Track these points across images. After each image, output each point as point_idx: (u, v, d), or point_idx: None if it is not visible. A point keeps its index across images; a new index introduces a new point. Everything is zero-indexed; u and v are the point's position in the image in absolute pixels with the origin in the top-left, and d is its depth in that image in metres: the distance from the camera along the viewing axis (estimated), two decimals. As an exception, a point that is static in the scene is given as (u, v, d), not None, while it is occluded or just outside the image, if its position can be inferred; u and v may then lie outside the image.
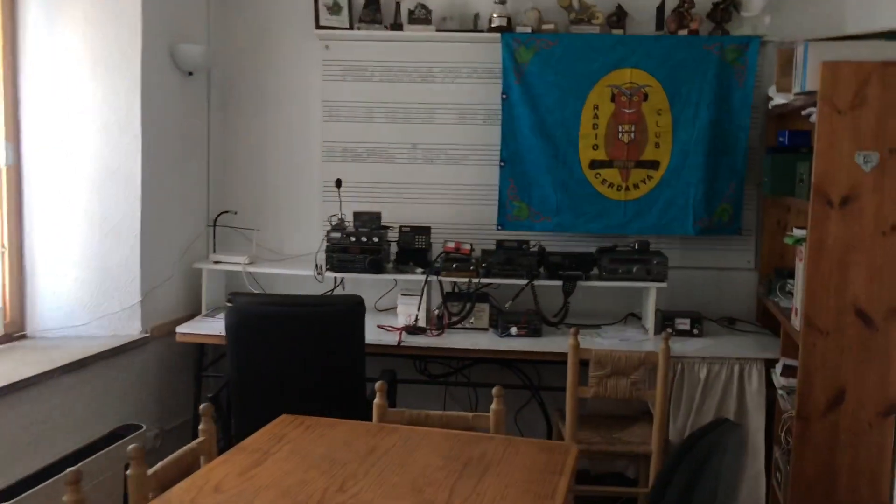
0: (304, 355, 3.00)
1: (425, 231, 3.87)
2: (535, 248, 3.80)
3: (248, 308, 2.99)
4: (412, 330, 3.60)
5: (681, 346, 3.48)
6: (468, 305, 3.68)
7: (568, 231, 3.98)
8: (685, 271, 4.03)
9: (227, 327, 3.05)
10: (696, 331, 3.67)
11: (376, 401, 2.49)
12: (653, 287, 3.69)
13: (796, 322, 3.00)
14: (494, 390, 2.45)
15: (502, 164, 3.96)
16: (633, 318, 4.00)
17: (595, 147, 3.91)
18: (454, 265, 3.72)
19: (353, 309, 3.03)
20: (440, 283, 3.78)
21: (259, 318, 2.98)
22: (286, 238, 4.18)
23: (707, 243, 4.03)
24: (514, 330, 3.60)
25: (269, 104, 4.17)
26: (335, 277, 4.03)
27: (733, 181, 3.89)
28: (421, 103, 4.06)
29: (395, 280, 3.95)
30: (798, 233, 3.09)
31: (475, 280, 3.70)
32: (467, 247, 3.79)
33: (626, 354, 3.26)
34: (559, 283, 3.71)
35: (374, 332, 3.60)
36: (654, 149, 3.90)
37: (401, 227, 3.88)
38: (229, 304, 3.03)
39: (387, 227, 3.88)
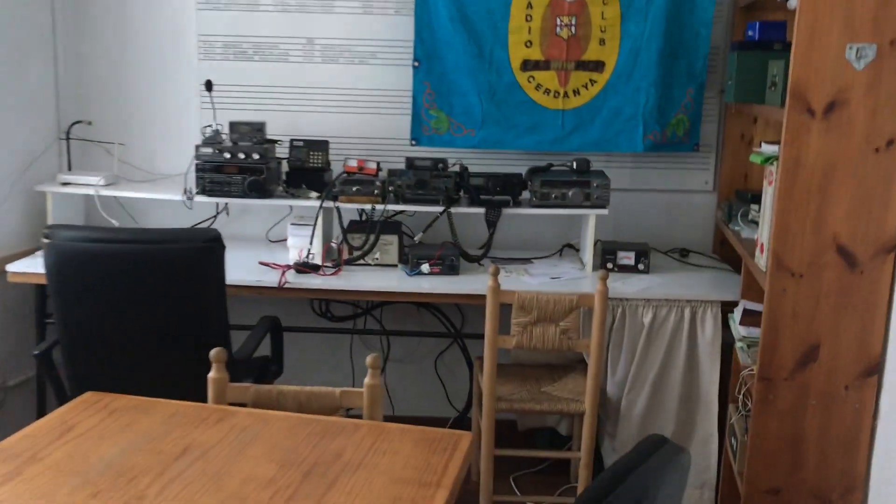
0: (142, 305, 2.36)
1: (322, 146, 3.20)
2: (455, 168, 3.16)
3: (68, 246, 2.32)
4: (302, 268, 2.96)
5: (622, 286, 2.90)
6: (371, 237, 3.04)
7: (495, 147, 3.32)
8: (632, 194, 3.43)
9: (47, 270, 2.39)
10: (641, 266, 3.09)
11: (211, 374, 1.87)
12: (592, 214, 3.08)
13: (761, 260, 2.42)
14: (369, 360, 1.84)
15: (416, 64, 3.26)
16: (570, 249, 3.40)
17: (528, 44, 3.23)
18: (355, 188, 3.06)
19: (204, 247, 2.38)
20: (338, 210, 3.12)
21: (83, 258, 2.32)
22: (158, 154, 3.46)
23: (658, 161, 3.42)
24: (425, 267, 2.99)
25: (132, -11, 3.39)
26: (217, 204, 3.36)
27: (691, 87, 3.25)
28: (318, -12, 3.32)
29: (291, 207, 3.29)
30: (767, 149, 2.48)
31: (380, 207, 3.05)
32: (373, 166, 3.13)
33: (554, 298, 2.67)
34: (482, 210, 3.08)
35: (256, 271, 2.96)
36: (599, 46, 3.22)
37: (292, 140, 3.20)
38: (46, 241, 2.36)
39: (274, 142, 3.19)
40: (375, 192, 3.05)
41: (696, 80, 3.24)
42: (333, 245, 3.08)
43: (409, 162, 3.08)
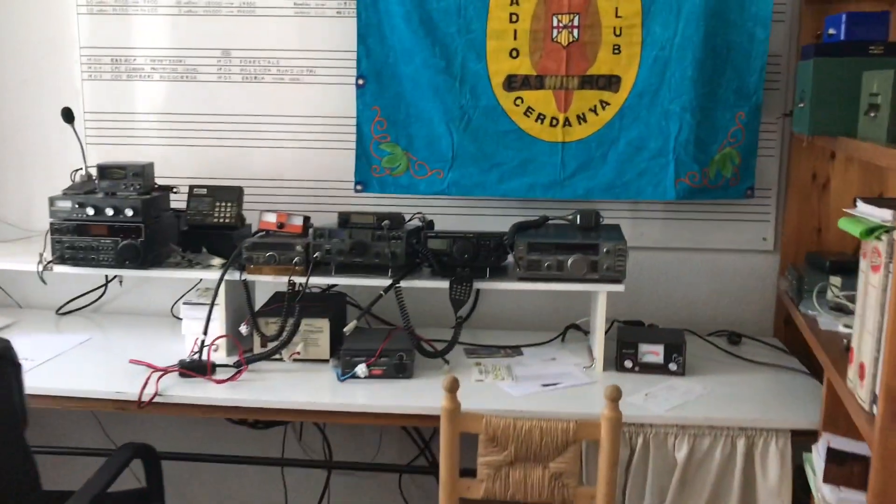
0: None
1: (233, 195, 2.36)
2: (415, 223, 2.29)
3: None
4: (186, 370, 2.10)
5: (644, 402, 1.99)
6: (289, 322, 2.18)
7: (470, 194, 2.45)
8: (661, 256, 2.52)
9: None
10: (673, 365, 2.17)
11: None
12: (602, 291, 2.17)
13: (859, 388, 1.50)
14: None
15: (361, 82, 2.40)
16: (577, 332, 2.49)
17: (514, 53, 2.35)
18: (269, 254, 2.20)
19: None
20: (245, 285, 2.26)
21: None
22: (36, 204, 2.65)
23: (698, 211, 2.50)
24: (361, 368, 2.11)
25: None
26: (106, 276, 2.53)
27: (742, 109, 2.34)
28: (235, -16, 2.49)
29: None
30: (869, 211, 1.56)
31: (299, 281, 2.19)
32: (297, 222, 2.27)
33: (542, 426, 1.79)
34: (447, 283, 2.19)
35: (122, 375, 2.10)
36: (612, 56, 2.33)
37: (191, 188, 2.36)
38: None
39: (167, 189, 2.36)
40: (296, 259, 2.19)
41: (749, 100, 2.32)
42: (243, 330, 2.22)
43: (343, 218, 2.21)
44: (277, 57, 2.50)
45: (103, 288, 2.62)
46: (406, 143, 2.42)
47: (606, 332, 2.19)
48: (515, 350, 2.36)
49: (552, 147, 2.39)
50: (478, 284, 2.18)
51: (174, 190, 2.37)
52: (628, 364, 2.18)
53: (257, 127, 2.52)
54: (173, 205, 2.37)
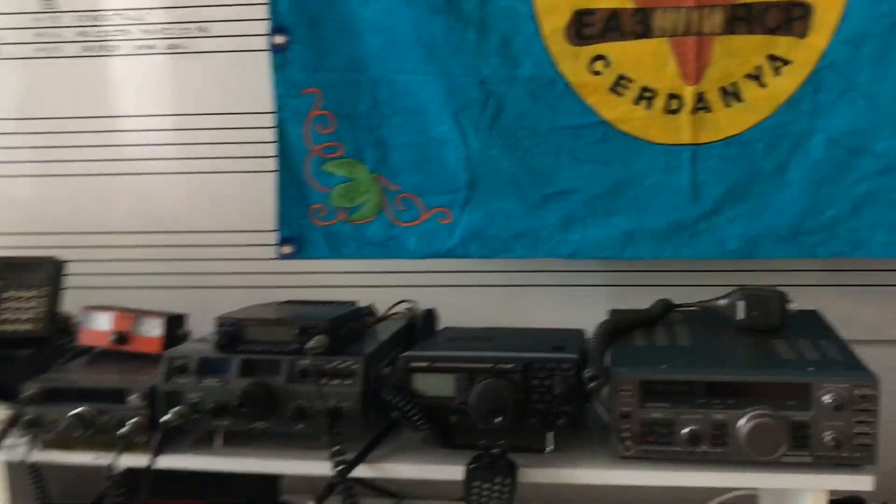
0: None
1: (39, 274, 1.18)
2: (384, 335, 1.09)
3: None
4: None
5: None
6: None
7: (507, 255, 1.23)
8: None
9: None
10: None
11: None
12: (819, 491, 0.93)
13: None
14: None
15: (281, 40, 1.21)
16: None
17: (588, -33, 1.14)
18: (75, 415, 1.01)
19: None
20: (36, 473, 1.08)
21: None
22: None
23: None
24: None
25: None
26: None
27: None
28: None
29: None
30: None
31: (138, 463, 1.00)
32: (154, 330, 1.10)
33: None
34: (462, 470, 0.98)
35: None
36: (798, -40, 1.11)
37: (-48, 264, 1.20)
38: None
39: None
40: (130, 424, 1.00)
41: None
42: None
43: (229, 331, 1.00)
44: (135, 7, 1.33)
45: None
46: (376, 157, 1.22)
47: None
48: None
49: (672, 155, 1.17)
50: (528, 474, 0.97)
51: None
52: None
53: (96, 139, 1.35)
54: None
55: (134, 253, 1.35)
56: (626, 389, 0.94)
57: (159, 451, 0.99)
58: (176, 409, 0.99)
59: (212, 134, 1.30)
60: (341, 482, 0.95)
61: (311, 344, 0.95)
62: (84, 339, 1.13)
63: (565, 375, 0.93)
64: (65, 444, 1.03)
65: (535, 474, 0.96)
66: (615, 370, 0.94)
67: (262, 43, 1.21)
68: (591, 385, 0.91)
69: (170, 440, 1.00)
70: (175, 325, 1.14)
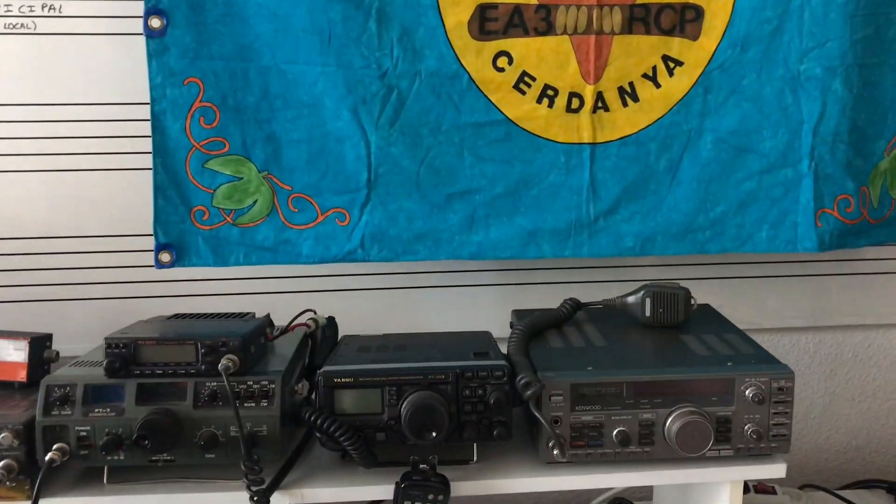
0: None
1: None
2: (290, 349, 1.01)
3: None
4: None
5: None
6: None
7: (409, 258, 1.18)
8: (805, 337, 1.35)
9: None
10: None
11: None
12: (736, 483, 0.96)
13: None
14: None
15: (157, 23, 1.08)
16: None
17: (490, -40, 1.11)
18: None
19: None
20: None
21: None
22: None
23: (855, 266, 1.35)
24: None
25: None
26: None
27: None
28: None
29: None
30: None
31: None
32: (16, 354, 0.94)
33: None
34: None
35: None
36: (693, -39, 1.14)
37: None
38: None
39: None
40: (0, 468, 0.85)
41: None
42: None
43: (120, 355, 0.87)
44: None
45: None
46: (266, 154, 1.12)
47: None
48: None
49: (572, 154, 1.17)
50: (458, 488, 0.92)
51: None
52: None
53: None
54: None
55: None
56: (556, 394, 0.92)
57: (38, 495, 0.85)
58: (58, 445, 0.85)
59: (73, 127, 1.14)
60: (260, 513, 0.86)
61: (224, 363, 0.85)
62: None
63: (498, 384, 0.90)
64: None
65: (466, 487, 0.92)
66: (544, 375, 0.92)
67: (137, 26, 1.07)
68: (528, 393, 0.88)
69: (49, 480, 0.87)
70: (39, 347, 0.99)
